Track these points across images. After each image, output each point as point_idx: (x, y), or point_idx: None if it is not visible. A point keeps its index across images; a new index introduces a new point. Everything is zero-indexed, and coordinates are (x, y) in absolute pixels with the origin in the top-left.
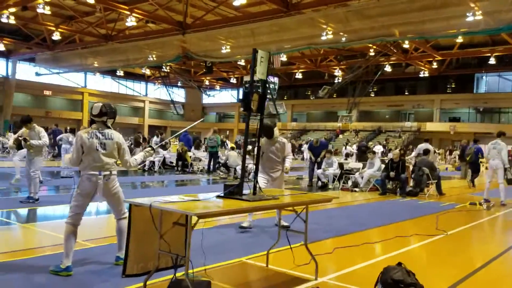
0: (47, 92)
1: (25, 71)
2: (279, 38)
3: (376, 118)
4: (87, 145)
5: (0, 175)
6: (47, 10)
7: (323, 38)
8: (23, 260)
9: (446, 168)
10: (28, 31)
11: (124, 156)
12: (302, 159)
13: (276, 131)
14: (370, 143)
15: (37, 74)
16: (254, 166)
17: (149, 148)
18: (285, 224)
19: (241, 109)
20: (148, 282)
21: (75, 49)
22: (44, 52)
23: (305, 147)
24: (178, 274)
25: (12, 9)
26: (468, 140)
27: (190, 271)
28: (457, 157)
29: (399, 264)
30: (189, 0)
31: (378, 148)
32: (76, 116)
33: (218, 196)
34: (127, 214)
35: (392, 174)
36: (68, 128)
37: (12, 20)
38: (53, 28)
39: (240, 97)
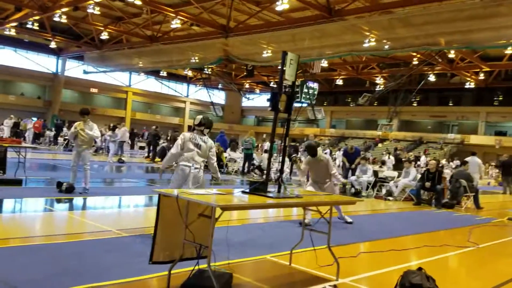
0: (93, 90)
1: (74, 69)
2: (320, 44)
3: (418, 128)
4: (187, 144)
5: (46, 166)
6: (97, 11)
7: (366, 45)
8: (58, 244)
9: (488, 183)
10: (78, 31)
11: (211, 156)
12: (339, 165)
13: (319, 150)
14: (410, 153)
15: (85, 72)
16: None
17: None
18: (349, 220)
19: (269, 108)
20: (172, 271)
21: (121, 49)
22: (92, 51)
23: (337, 153)
24: (201, 266)
25: (64, 9)
26: (510, 155)
27: (213, 263)
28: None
29: (420, 269)
30: (233, 4)
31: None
32: (120, 113)
33: (243, 192)
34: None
35: (427, 184)
36: (111, 125)
37: (64, 20)
38: (102, 28)
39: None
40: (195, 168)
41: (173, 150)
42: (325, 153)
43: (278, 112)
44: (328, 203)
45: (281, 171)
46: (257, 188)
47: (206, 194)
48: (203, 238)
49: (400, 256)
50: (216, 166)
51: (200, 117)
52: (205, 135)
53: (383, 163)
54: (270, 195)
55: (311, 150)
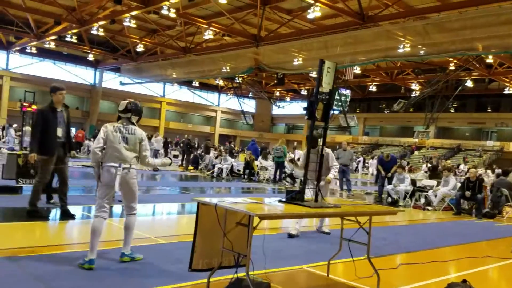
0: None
1: (111, 80)
2: (353, 50)
3: (456, 136)
4: (110, 138)
5: (85, 174)
6: (133, 24)
7: (400, 51)
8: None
9: None
10: (115, 43)
11: (143, 152)
12: (372, 174)
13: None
14: (448, 161)
15: (122, 83)
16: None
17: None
18: (326, 231)
19: (306, 117)
20: (211, 279)
21: (156, 61)
22: (128, 63)
23: (370, 162)
24: (240, 275)
25: (102, 22)
26: None
27: (251, 272)
28: None
29: (464, 281)
30: (265, 13)
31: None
32: (154, 123)
33: (280, 201)
34: (136, 212)
35: (468, 193)
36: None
37: (101, 32)
38: (138, 41)
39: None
40: (124, 168)
41: (94, 144)
42: (358, 161)
43: (315, 121)
44: (368, 213)
45: (318, 179)
46: (294, 197)
47: (243, 202)
48: (240, 247)
49: (441, 268)
50: (150, 160)
51: (125, 102)
52: (133, 123)
53: (430, 169)
54: (307, 204)
55: (312, 141)
